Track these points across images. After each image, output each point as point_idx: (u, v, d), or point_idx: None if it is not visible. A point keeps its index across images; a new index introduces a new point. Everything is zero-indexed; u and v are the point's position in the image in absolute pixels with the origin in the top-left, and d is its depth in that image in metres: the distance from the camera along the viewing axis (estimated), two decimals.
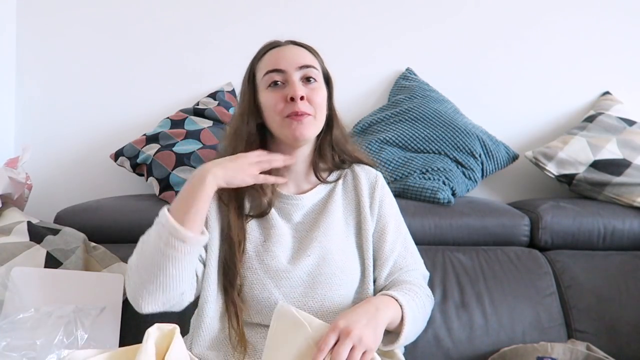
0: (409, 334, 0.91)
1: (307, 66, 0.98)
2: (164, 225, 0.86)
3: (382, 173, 1.13)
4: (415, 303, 0.95)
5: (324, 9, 1.70)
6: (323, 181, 1.07)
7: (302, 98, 0.95)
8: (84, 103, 1.68)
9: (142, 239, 0.92)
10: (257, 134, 1.03)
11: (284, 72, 0.97)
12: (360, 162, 1.12)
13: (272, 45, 1.02)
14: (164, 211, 0.88)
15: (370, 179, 1.09)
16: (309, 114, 0.96)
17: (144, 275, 0.88)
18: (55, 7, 1.68)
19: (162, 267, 0.86)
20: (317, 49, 1.05)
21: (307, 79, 0.98)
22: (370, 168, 1.12)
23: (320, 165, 1.08)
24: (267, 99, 0.98)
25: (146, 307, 0.90)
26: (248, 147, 1.01)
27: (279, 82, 0.97)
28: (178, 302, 0.93)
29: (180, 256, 0.86)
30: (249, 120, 1.02)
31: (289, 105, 0.95)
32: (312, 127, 0.98)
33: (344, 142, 1.09)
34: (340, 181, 1.08)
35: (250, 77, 1.03)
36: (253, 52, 1.06)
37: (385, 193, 1.10)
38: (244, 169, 0.93)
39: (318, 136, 1.05)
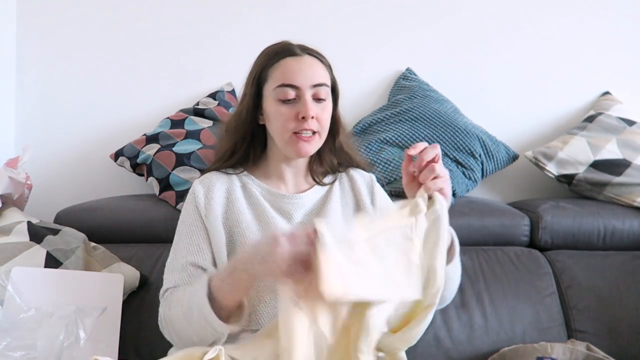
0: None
1: (321, 84, 0.98)
2: (209, 321, 0.83)
3: (382, 173, 1.15)
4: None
5: (323, 9, 1.70)
6: (320, 183, 1.09)
7: (312, 117, 0.96)
8: (84, 103, 1.67)
9: (183, 311, 0.87)
10: (260, 133, 1.05)
11: (298, 88, 0.97)
12: (357, 166, 1.14)
13: (288, 53, 1.00)
14: (210, 310, 0.82)
15: (366, 180, 1.12)
16: (315, 132, 0.98)
17: (186, 338, 0.88)
18: (55, 7, 1.68)
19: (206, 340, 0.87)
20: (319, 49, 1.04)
21: (317, 97, 0.99)
22: (364, 171, 1.15)
23: (319, 169, 1.10)
24: (277, 113, 0.98)
25: None
26: (250, 146, 1.05)
27: (291, 99, 0.97)
28: None
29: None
30: (251, 120, 1.04)
31: (299, 123, 0.96)
32: (316, 145, 1.01)
33: (347, 148, 1.11)
34: (337, 183, 1.10)
35: (259, 79, 1.02)
36: (253, 52, 1.05)
37: (382, 192, 1.13)
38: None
39: None
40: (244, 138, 1.05)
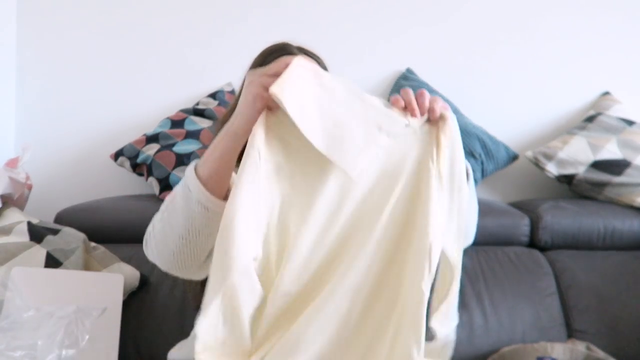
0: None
1: None
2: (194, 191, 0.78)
3: None
4: None
5: (323, 9, 1.70)
6: None
7: None
8: (84, 103, 1.68)
9: (170, 200, 0.83)
10: None
11: None
12: None
13: (284, 52, 0.99)
14: (194, 176, 0.79)
15: None
16: None
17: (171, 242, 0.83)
18: (55, 7, 1.68)
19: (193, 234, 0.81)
20: (318, 50, 1.04)
21: None
22: None
23: None
24: None
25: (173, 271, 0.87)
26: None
27: None
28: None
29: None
30: None
31: None
32: None
33: None
34: None
35: None
36: (253, 52, 1.05)
37: None
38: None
39: None
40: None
